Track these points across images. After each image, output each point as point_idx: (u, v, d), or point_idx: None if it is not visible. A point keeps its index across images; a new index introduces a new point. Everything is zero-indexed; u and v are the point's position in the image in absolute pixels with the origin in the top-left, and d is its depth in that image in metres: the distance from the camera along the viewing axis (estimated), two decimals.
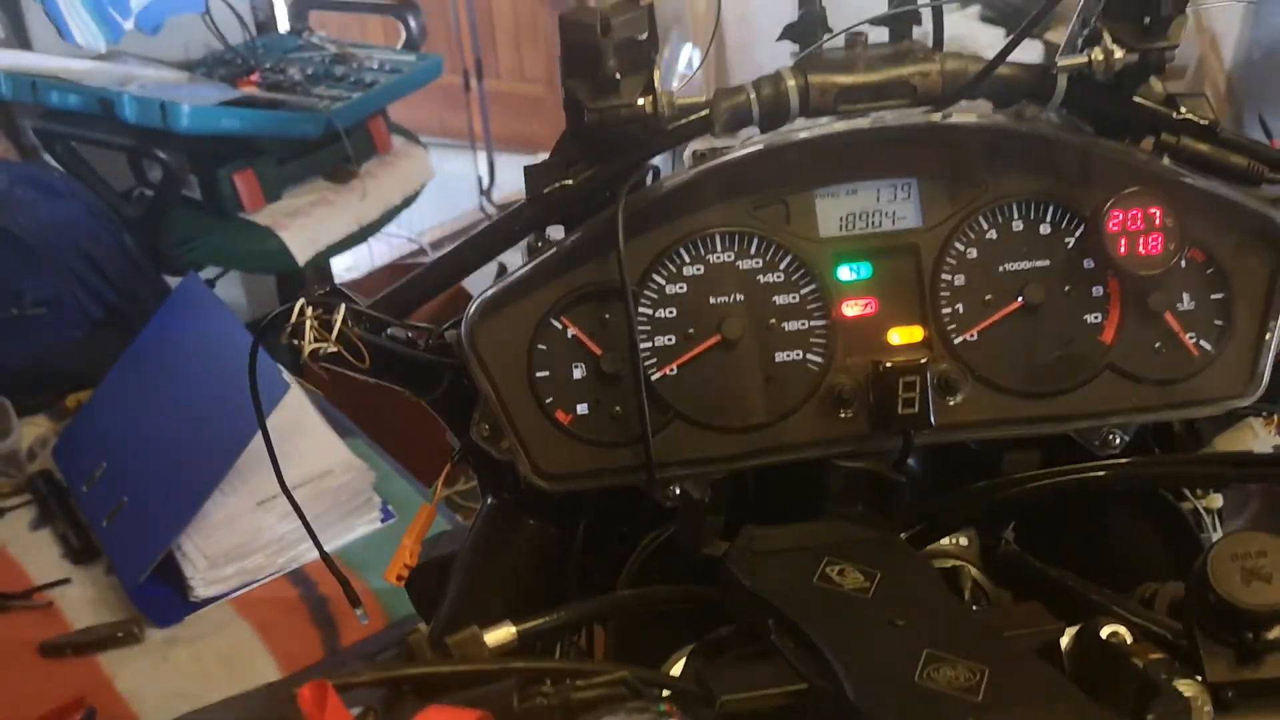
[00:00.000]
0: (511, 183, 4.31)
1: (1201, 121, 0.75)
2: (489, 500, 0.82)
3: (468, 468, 0.81)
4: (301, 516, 0.82)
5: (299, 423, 1.94)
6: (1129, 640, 0.56)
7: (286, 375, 1.80)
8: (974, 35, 3.24)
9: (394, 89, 2.66)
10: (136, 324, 2.09)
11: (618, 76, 0.68)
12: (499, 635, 0.60)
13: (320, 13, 3.10)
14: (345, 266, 3.57)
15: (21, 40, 2.48)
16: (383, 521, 1.89)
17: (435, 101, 4.15)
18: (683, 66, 4.28)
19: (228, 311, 2.04)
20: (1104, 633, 0.56)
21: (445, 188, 3.87)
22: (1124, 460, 0.75)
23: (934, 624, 0.56)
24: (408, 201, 2.77)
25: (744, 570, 0.63)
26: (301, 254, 2.45)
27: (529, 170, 0.73)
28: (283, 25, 3.01)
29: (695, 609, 0.68)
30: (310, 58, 2.74)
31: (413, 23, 2.85)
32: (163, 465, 1.84)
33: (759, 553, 0.65)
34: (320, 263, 2.63)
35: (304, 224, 2.50)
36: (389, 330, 0.74)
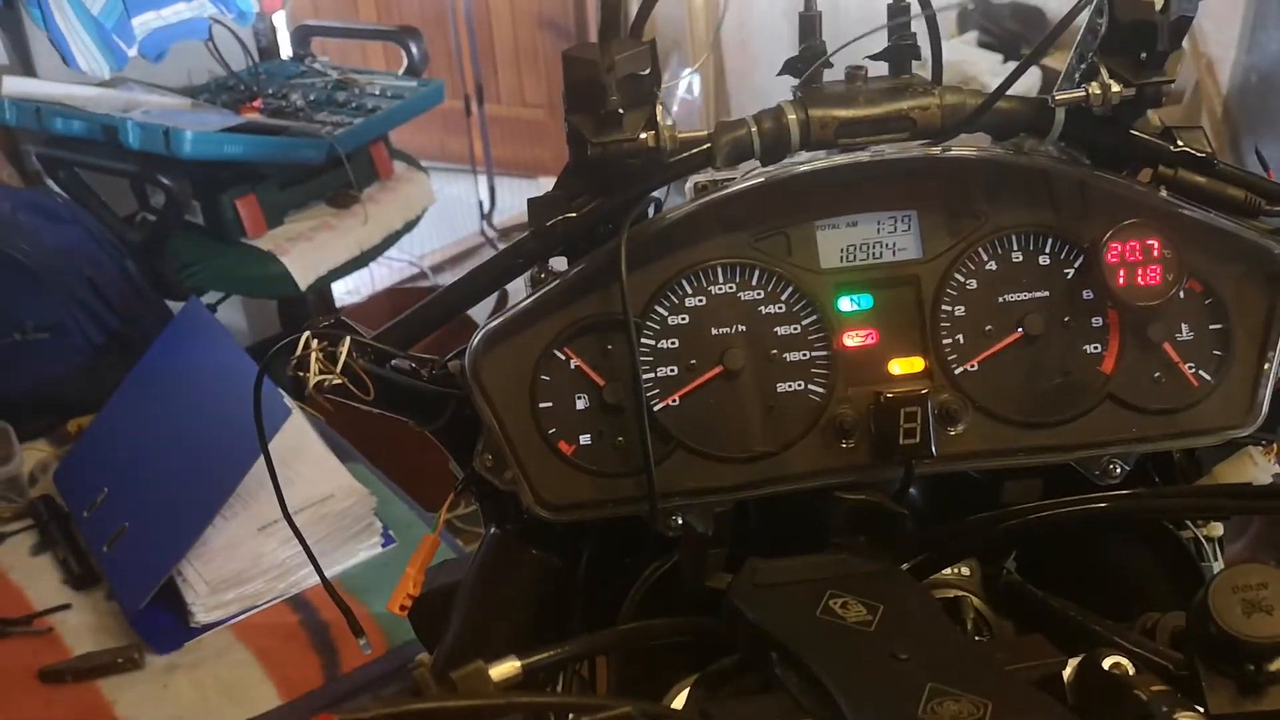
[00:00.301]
0: (512, 206, 4.33)
1: (1198, 154, 0.76)
2: (492, 530, 0.82)
3: (470, 495, 0.81)
4: (303, 542, 0.82)
5: (300, 448, 1.94)
6: (1131, 672, 0.56)
7: (288, 400, 1.80)
8: (972, 60, 3.26)
9: (396, 115, 2.68)
10: (139, 349, 2.10)
11: (620, 111, 0.69)
12: (504, 670, 0.60)
13: (323, 39, 3.11)
14: (346, 290, 3.57)
15: (26, 67, 2.49)
16: (383, 546, 1.89)
17: (437, 126, 4.17)
18: (682, 90, 4.31)
19: (229, 337, 2.04)
20: (1106, 664, 0.56)
21: (446, 211, 3.89)
22: (1125, 492, 0.75)
23: (937, 657, 0.56)
24: (409, 226, 2.78)
25: (747, 603, 0.63)
26: (303, 279, 2.46)
27: (533, 202, 0.73)
28: (285, 51, 3.02)
29: (698, 640, 0.68)
30: (313, 84, 2.75)
31: (414, 49, 2.86)
32: (164, 491, 1.84)
33: (762, 585, 0.65)
34: (322, 287, 2.64)
35: (306, 249, 2.51)
36: (393, 361, 0.74)
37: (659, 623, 0.70)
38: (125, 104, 2.40)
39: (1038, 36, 3.33)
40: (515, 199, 4.37)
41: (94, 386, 2.08)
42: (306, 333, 0.69)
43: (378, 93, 2.72)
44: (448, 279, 4.06)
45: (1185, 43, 0.73)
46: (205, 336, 2.03)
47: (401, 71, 2.88)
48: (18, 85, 2.39)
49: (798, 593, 0.63)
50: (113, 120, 2.28)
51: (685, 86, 4.30)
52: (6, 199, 2.22)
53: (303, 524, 1.77)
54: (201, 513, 1.74)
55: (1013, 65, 2.97)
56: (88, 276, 2.18)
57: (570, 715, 0.51)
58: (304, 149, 2.44)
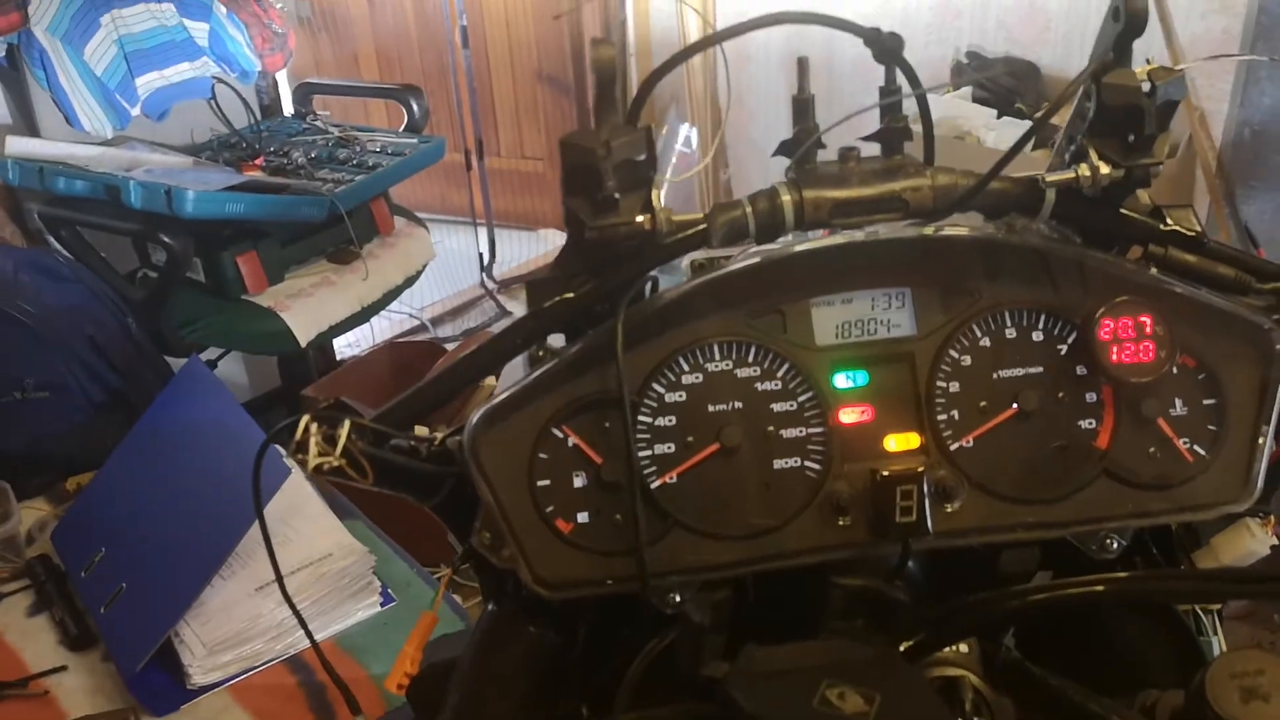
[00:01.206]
0: (512, 258, 4.36)
1: (1188, 233, 0.77)
2: (489, 607, 0.82)
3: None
4: (295, 611, 0.82)
5: (299, 505, 1.94)
6: None
7: (287, 459, 1.80)
8: (967, 115, 3.29)
9: (396, 171, 2.70)
10: (139, 406, 2.10)
11: (617, 196, 0.70)
12: None
13: (325, 96, 3.15)
14: (347, 343, 3.59)
15: (30, 126, 2.52)
16: (382, 605, 1.88)
17: (438, 179, 4.22)
18: (680, 144, 4.35)
19: (229, 395, 2.05)
20: None
21: (447, 264, 3.92)
22: (1122, 575, 0.75)
23: None
24: (409, 281, 2.79)
25: (744, 694, 0.63)
26: (304, 335, 2.47)
27: (531, 283, 0.74)
28: (288, 109, 3.06)
29: None
30: (314, 141, 2.78)
31: (415, 106, 2.90)
32: (162, 551, 1.83)
33: (758, 674, 0.65)
34: (322, 342, 2.65)
35: (306, 305, 2.52)
36: (392, 441, 0.75)
37: (658, 712, 0.70)
38: (128, 163, 2.42)
39: (1031, 91, 3.37)
40: (515, 251, 4.40)
41: (93, 445, 2.08)
42: (306, 416, 0.69)
43: (379, 150, 2.75)
44: (448, 331, 4.08)
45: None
46: (205, 395, 2.03)
47: (403, 128, 2.91)
48: (21, 145, 2.41)
49: (794, 682, 0.63)
50: (115, 180, 2.30)
51: (683, 140, 4.34)
52: (9, 258, 2.24)
53: (301, 583, 1.78)
54: (199, 573, 1.73)
55: (1006, 120, 2.99)
56: (89, 335, 2.18)
57: None
58: (305, 207, 2.46)
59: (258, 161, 2.60)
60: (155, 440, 2.02)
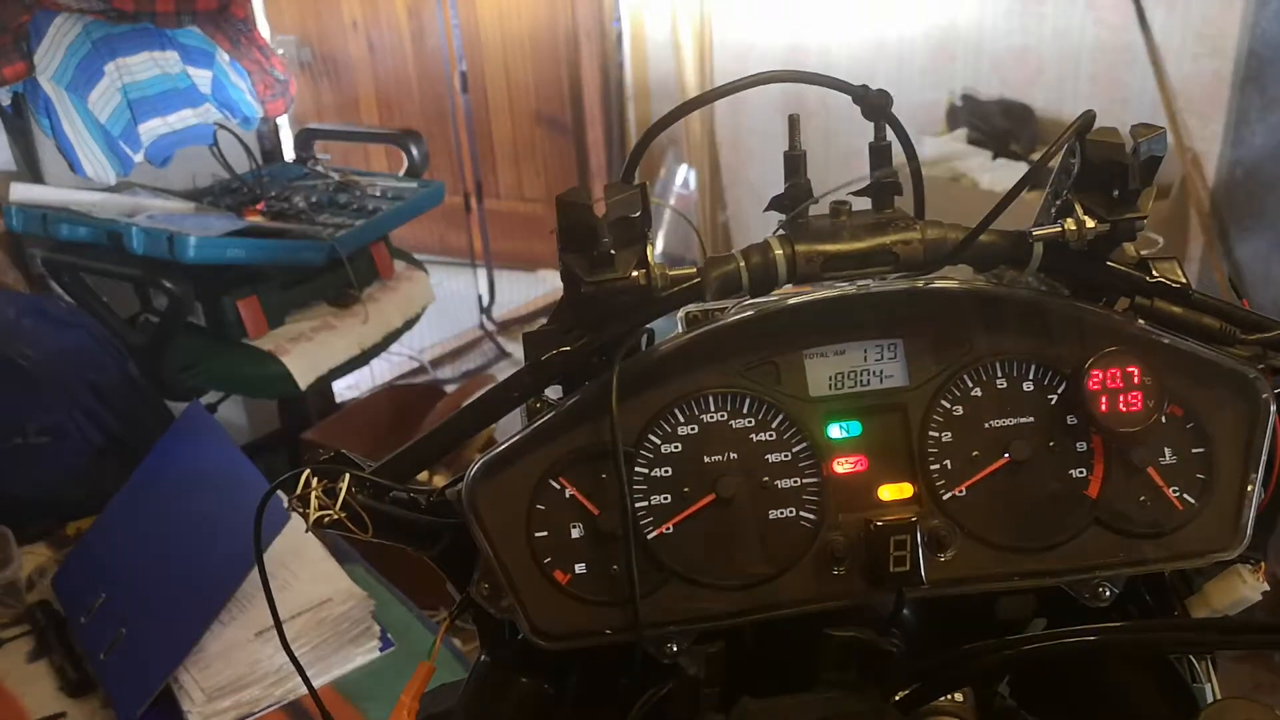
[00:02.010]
0: (511, 300, 4.38)
1: (1173, 285, 0.78)
2: (482, 658, 0.83)
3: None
4: (295, 660, 0.82)
5: (299, 550, 1.94)
6: None
7: (286, 504, 1.81)
8: (962, 155, 3.32)
9: (396, 216, 2.72)
10: (139, 451, 2.11)
11: (612, 252, 0.71)
12: None
13: (326, 141, 3.18)
14: (347, 385, 3.60)
15: (34, 173, 2.54)
16: (381, 650, 1.88)
17: (437, 221, 4.25)
18: (679, 185, 4.38)
19: (229, 441, 2.06)
20: None
21: (447, 306, 3.94)
22: (1115, 625, 0.76)
23: None
24: (409, 324, 2.81)
25: None
26: (303, 378, 2.48)
27: (528, 337, 0.75)
28: (289, 154, 3.09)
29: None
30: (315, 185, 2.81)
31: (415, 150, 2.93)
32: (162, 596, 1.84)
33: None
34: (322, 386, 2.66)
35: (306, 349, 2.53)
36: (391, 494, 0.76)
37: None
38: (130, 208, 2.45)
39: (1026, 133, 3.40)
40: (514, 293, 4.42)
41: (94, 490, 2.09)
42: (306, 471, 0.70)
43: (379, 194, 2.77)
44: (448, 373, 4.10)
45: (1169, 138, 0.76)
46: (206, 440, 2.04)
47: (402, 172, 2.93)
48: (24, 192, 2.44)
49: None
50: (117, 226, 2.32)
51: (681, 181, 4.38)
52: (11, 305, 2.25)
53: (300, 628, 1.78)
54: (198, 619, 1.73)
55: (1001, 161, 3.01)
56: (89, 380, 2.19)
57: None
58: (305, 251, 2.48)
59: (259, 206, 2.62)
60: (155, 485, 2.02)
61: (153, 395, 2.35)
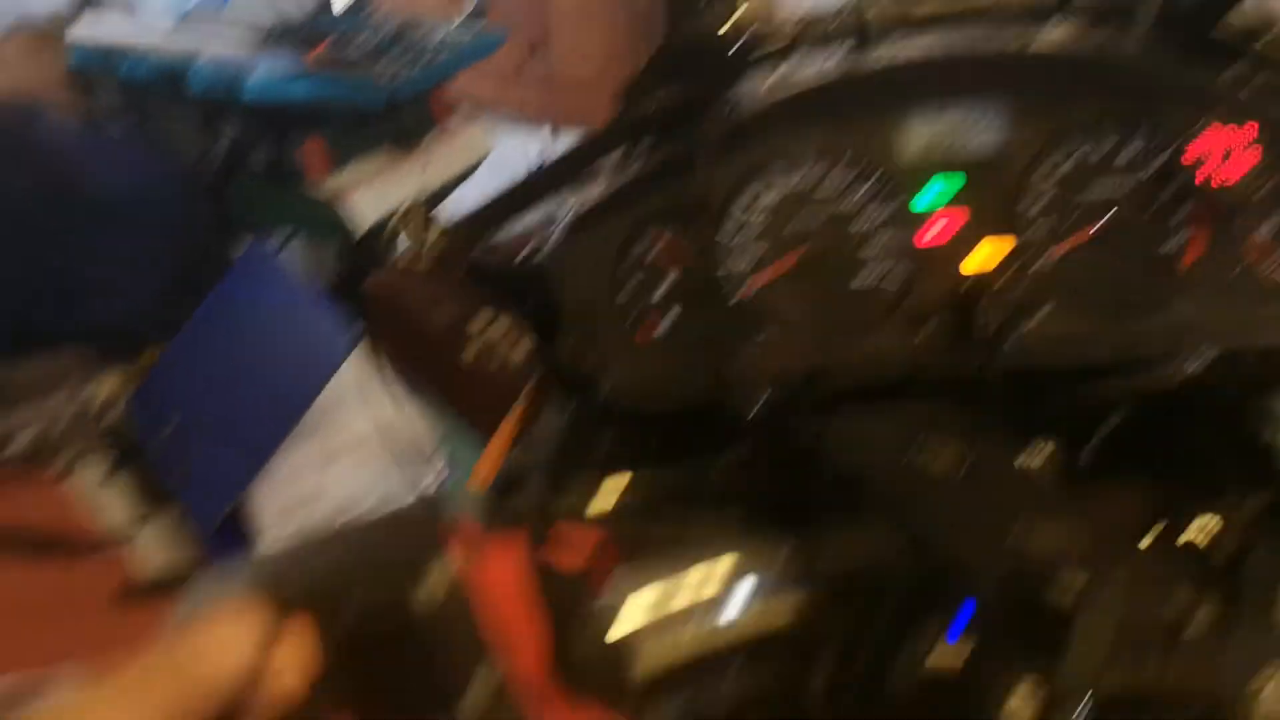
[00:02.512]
0: None
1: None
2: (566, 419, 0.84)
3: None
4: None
5: (362, 383, 1.97)
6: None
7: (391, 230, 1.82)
8: None
9: (455, 63, 2.68)
10: (205, 286, 2.13)
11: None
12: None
13: None
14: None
15: (95, 12, 2.53)
16: (445, 479, 1.91)
17: (493, 78, 4.18)
18: None
19: (292, 272, 2.07)
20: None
21: (503, 164, 3.91)
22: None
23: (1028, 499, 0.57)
24: (467, 173, 2.79)
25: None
26: (365, 222, 2.48)
27: (622, 89, 0.74)
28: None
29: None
30: (374, 31, 2.77)
31: None
32: (232, 420, 1.88)
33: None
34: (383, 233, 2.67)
35: (367, 194, 2.53)
36: (480, 245, 0.76)
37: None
38: (192, 48, 2.43)
39: None
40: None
41: (164, 321, 2.12)
42: (407, 204, 0.71)
43: (438, 41, 2.73)
44: None
45: None
46: (270, 271, 2.06)
47: (462, 19, 2.88)
48: (87, 29, 2.43)
49: (887, 438, 0.63)
50: (179, 64, 2.31)
51: None
52: (80, 139, 2.27)
53: (364, 456, 1.81)
54: (270, 440, 1.77)
55: None
56: (159, 215, 2.21)
57: None
58: (366, 91, 2.46)
59: (319, 49, 2.59)
60: (223, 315, 2.05)
61: (217, 234, 2.37)
